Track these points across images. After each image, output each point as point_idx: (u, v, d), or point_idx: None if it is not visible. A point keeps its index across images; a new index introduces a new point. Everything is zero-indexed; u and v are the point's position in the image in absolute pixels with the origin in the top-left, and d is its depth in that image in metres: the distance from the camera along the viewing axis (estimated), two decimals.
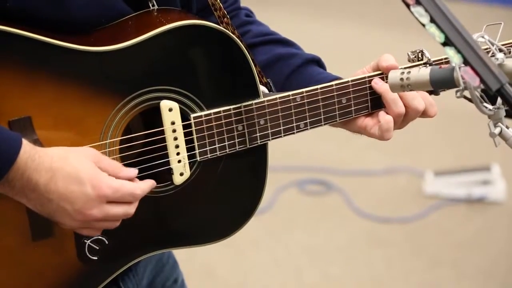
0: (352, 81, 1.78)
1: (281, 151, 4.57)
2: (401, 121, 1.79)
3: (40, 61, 1.55)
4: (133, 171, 1.60)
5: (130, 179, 1.59)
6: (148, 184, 1.62)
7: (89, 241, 1.64)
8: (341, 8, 6.72)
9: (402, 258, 4.00)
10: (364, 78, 1.79)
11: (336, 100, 1.77)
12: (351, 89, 1.78)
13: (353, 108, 1.79)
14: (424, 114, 1.78)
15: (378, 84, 1.78)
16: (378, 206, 4.29)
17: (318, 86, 1.76)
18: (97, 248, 1.64)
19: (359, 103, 1.79)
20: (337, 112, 1.78)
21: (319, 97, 1.76)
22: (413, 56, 1.81)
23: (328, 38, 6.00)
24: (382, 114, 1.78)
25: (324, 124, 1.79)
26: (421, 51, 1.80)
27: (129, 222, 1.61)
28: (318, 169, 4.52)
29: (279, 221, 4.18)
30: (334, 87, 1.77)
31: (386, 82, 1.76)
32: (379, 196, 4.37)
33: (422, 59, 1.80)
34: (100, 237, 1.64)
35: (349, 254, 4.02)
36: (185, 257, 3.42)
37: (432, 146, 4.82)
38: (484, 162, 4.31)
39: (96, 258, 1.65)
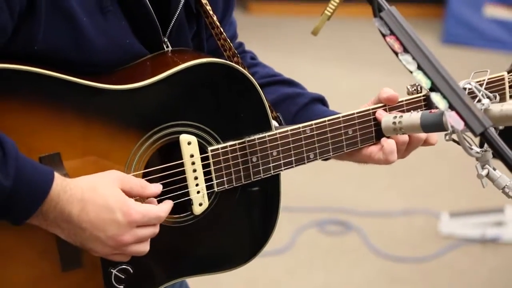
0: (357, 113, 1.82)
1: (302, 192, 4.57)
2: (404, 149, 1.82)
3: (67, 100, 1.59)
4: (158, 187, 1.65)
5: (156, 195, 1.64)
6: (169, 205, 1.66)
7: (115, 270, 1.67)
8: (363, 55, 6.75)
9: None
10: (369, 110, 1.82)
11: (343, 131, 1.81)
12: (356, 121, 1.82)
13: (359, 139, 1.83)
14: (426, 142, 1.82)
15: (382, 115, 1.81)
16: (396, 246, 4.26)
17: (326, 119, 1.80)
18: (123, 277, 1.68)
19: (365, 133, 1.83)
20: (344, 143, 1.82)
21: (327, 128, 1.80)
22: (413, 89, 1.84)
23: (349, 83, 6.03)
24: (384, 138, 1.82)
25: (333, 154, 1.82)
26: (420, 85, 1.83)
27: (153, 251, 1.64)
28: (337, 209, 4.51)
29: (299, 260, 4.17)
30: (341, 119, 1.81)
31: (389, 113, 1.80)
32: (397, 236, 4.35)
33: (421, 92, 1.83)
34: (125, 266, 1.67)
35: None
36: None
37: (448, 188, 4.80)
38: (497, 204, 4.29)
39: (122, 286, 1.68)
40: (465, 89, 1.48)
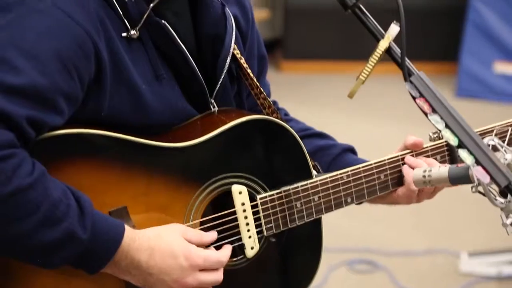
0: (388, 159, 1.84)
1: (333, 234, 4.53)
2: (431, 192, 1.82)
3: (132, 158, 1.62)
4: (214, 234, 1.66)
5: (213, 241, 1.65)
6: (228, 250, 1.67)
7: None
8: (383, 110, 6.73)
9: None
10: (398, 156, 1.85)
11: (376, 176, 1.83)
12: (387, 167, 1.84)
13: (390, 183, 1.85)
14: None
15: (411, 160, 1.83)
16: (419, 283, 4.21)
17: (361, 165, 1.82)
18: None
19: (395, 178, 1.85)
20: (377, 187, 1.84)
21: (362, 174, 1.82)
22: (434, 136, 1.84)
23: (373, 135, 6.01)
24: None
25: (368, 198, 1.84)
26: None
27: None
28: (365, 250, 4.48)
29: None
30: (373, 165, 1.83)
31: (415, 157, 1.81)
32: (420, 274, 4.30)
33: (442, 138, 1.83)
34: None
35: None
36: None
37: (467, 230, 4.75)
38: None
39: None
40: (488, 145, 1.46)
